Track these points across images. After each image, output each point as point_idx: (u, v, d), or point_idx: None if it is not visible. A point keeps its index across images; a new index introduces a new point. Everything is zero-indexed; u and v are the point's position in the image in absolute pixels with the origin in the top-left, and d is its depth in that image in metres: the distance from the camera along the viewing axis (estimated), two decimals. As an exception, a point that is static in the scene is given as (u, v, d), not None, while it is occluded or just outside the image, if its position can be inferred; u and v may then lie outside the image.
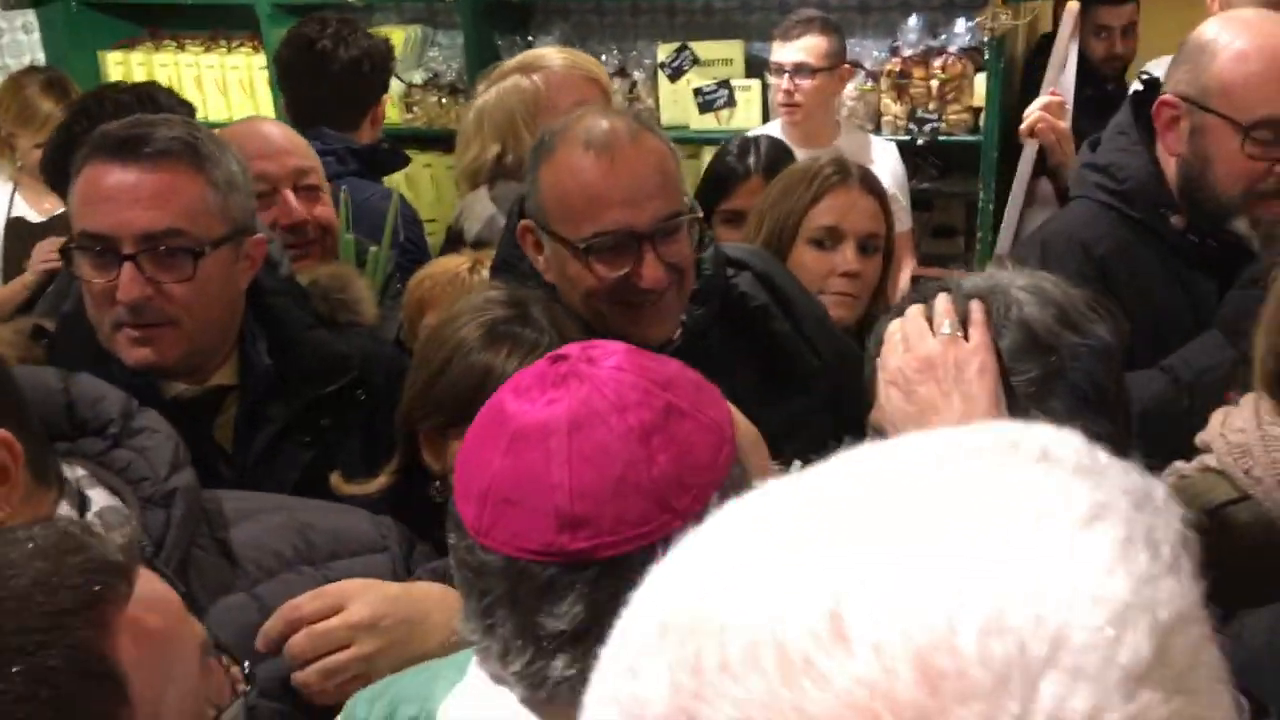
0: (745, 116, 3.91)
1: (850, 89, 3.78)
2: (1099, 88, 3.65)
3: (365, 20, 3.74)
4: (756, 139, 2.77)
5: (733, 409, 1.03)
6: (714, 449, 0.95)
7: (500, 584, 0.93)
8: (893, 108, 3.80)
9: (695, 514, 0.88)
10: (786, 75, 3.31)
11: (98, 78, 4.48)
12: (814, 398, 1.71)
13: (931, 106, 3.74)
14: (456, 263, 1.88)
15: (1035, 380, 1.19)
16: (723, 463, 0.95)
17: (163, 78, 4.49)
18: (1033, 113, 2.36)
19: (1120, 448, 1.32)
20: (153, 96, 2.22)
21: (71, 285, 1.69)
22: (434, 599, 1.21)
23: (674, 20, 4.14)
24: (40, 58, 4.42)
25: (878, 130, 3.79)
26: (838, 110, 3.60)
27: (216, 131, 2.22)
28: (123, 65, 4.52)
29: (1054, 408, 1.19)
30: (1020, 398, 1.20)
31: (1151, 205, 1.88)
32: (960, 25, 3.72)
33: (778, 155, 2.62)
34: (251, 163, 2.00)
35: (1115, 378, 1.24)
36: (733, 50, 4.00)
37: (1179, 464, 1.53)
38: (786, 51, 3.32)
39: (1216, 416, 1.50)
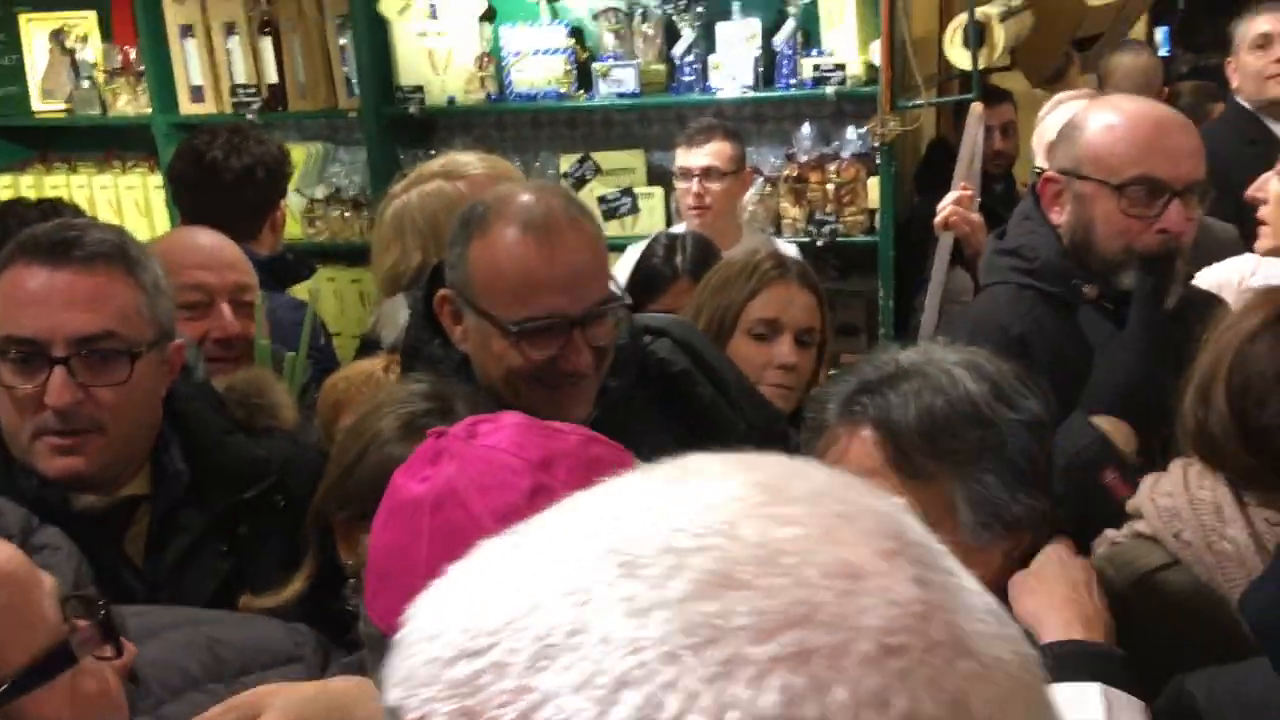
0: (649, 223, 3.97)
1: (751, 194, 3.87)
2: (987, 186, 3.81)
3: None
4: (681, 237, 2.81)
5: None
6: None
7: (381, 659, 0.90)
8: (791, 211, 3.90)
9: None
10: (695, 179, 3.38)
11: (-15, 201, 4.38)
12: None
13: (829, 209, 3.85)
14: (372, 365, 1.84)
15: (970, 452, 1.20)
16: None
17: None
18: (945, 206, 2.44)
19: (1049, 520, 1.33)
20: (58, 210, 2.18)
21: None
22: (352, 694, 1.15)
23: (574, 132, 4.21)
24: (-76, 181, 4.31)
25: (779, 233, 3.88)
26: (741, 214, 3.68)
27: (158, 238, 2.19)
28: (11, 189, 4.42)
29: (988, 481, 1.21)
30: (952, 466, 1.21)
31: (1064, 279, 1.96)
32: (851, 132, 3.86)
33: (704, 254, 2.66)
34: (191, 272, 1.97)
35: (1046, 452, 1.27)
36: (634, 159, 4.08)
37: (1110, 531, 1.55)
38: (693, 157, 3.40)
39: (1147, 481, 1.53)
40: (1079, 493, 1.70)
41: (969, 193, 2.44)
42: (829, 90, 3.73)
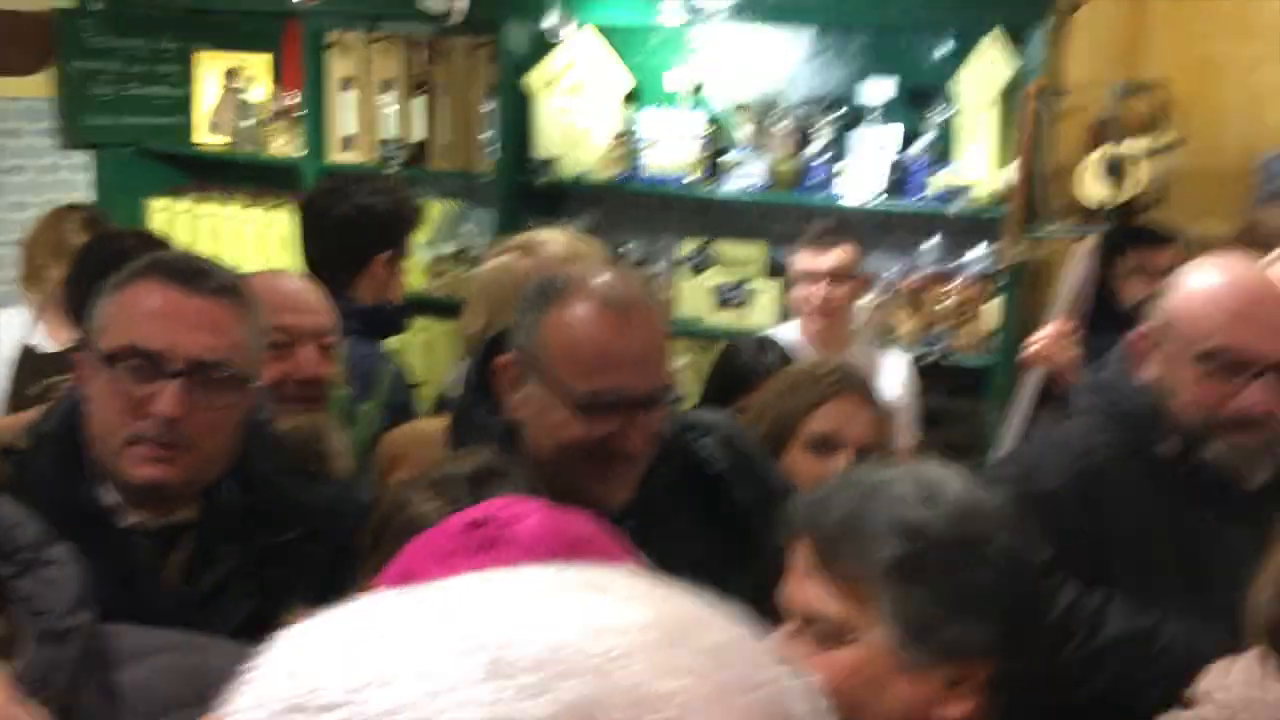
0: (761, 317, 3.96)
1: (867, 301, 3.84)
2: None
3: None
4: (767, 339, 2.80)
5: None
6: None
7: None
8: (907, 323, 3.85)
9: None
10: (824, 282, 3.36)
11: (140, 222, 4.64)
12: (776, 566, 1.68)
13: (945, 325, 3.79)
14: (432, 425, 1.88)
15: (897, 564, 1.20)
16: None
17: (204, 227, 4.65)
18: (1040, 339, 2.38)
19: (1000, 650, 1.27)
20: (152, 242, 2.29)
21: (57, 408, 1.69)
22: None
23: (700, 217, 4.25)
24: (89, 197, 4.58)
25: (891, 343, 3.83)
26: (853, 321, 3.64)
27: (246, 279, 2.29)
28: (166, 212, 4.68)
29: (918, 597, 1.20)
30: (878, 575, 1.21)
31: (1146, 431, 1.88)
32: (976, 251, 3.80)
33: (789, 357, 2.64)
34: (277, 314, 2.04)
35: (1019, 590, 1.23)
36: (754, 252, 4.09)
37: (1175, 711, 1.48)
38: (822, 259, 3.39)
39: (1217, 668, 1.45)
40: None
41: (1069, 327, 2.37)
42: (955, 207, 3.69)
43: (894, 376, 3.54)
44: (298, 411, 1.90)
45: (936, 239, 3.86)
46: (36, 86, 4.43)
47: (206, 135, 4.74)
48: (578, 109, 4.15)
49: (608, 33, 4.11)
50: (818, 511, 1.28)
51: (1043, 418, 2.30)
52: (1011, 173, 3.55)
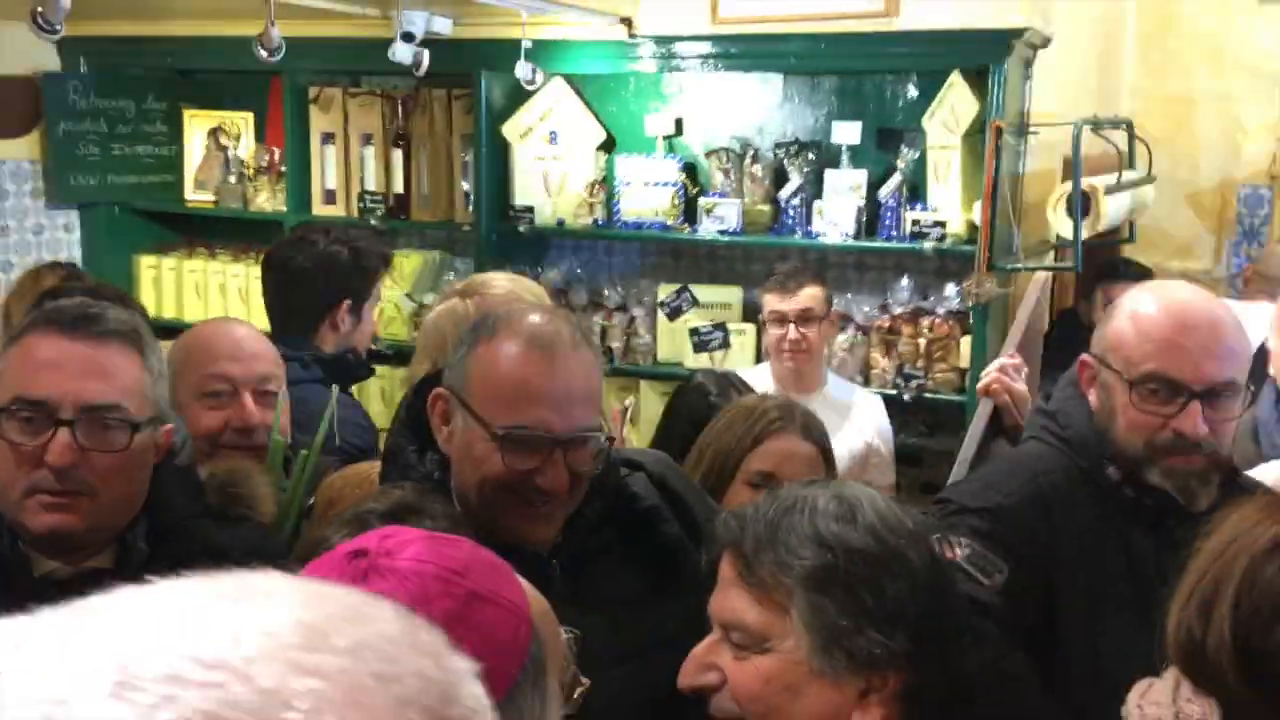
0: (739, 359, 3.97)
1: (842, 340, 3.85)
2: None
3: (388, 243, 3.91)
4: (731, 374, 2.80)
5: (524, 583, 1.04)
6: (513, 629, 0.97)
7: None
8: (881, 362, 3.86)
9: (499, 694, 0.88)
10: (792, 325, 3.38)
11: (129, 279, 4.70)
12: (704, 599, 1.69)
13: (919, 364, 3.79)
14: (370, 467, 1.89)
15: (809, 573, 1.25)
16: (522, 641, 0.96)
17: (190, 282, 4.71)
18: (989, 373, 2.39)
19: (910, 663, 1.29)
20: (113, 296, 2.33)
21: None
22: None
23: (678, 262, 4.28)
24: (77, 255, 4.65)
25: (866, 382, 3.84)
26: (826, 359, 3.66)
27: (194, 326, 2.33)
28: (154, 269, 4.74)
29: (828, 607, 1.24)
30: (791, 583, 1.26)
31: (1094, 456, 1.90)
32: (949, 289, 3.82)
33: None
34: (218, 362, 2.07)
35: (925, 601, 1.26)
36: (731, 295, 4.12)
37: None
38: (791, 301, 3.41)
39: (1138, 687, 1.45)
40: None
41: (1016, 361, 2.37)
42: (927, 246, 3.71)
43: (869, 415, 3.55)
44: (234, 458, 1.92)
45: (908, 279, 3.88)
46: (24, 148, 4.51)
47: (193, 193, 4.81)
48: (553, 157, 4.20)
49: (583, 80, 4.17)
50: (741, 524, 1.33)
51: (994, 448, 2.30)
52: (978, 211, 3.57)
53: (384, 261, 2.91)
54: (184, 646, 0.43)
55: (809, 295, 3.40)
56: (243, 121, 4.74)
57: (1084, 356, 1.94)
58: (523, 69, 3.70)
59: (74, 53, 4.51)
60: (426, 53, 3.50)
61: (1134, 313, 1.87)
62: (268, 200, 4.60)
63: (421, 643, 0.47)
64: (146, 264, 4.76)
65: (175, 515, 1.63)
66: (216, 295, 4.64)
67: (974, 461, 2.27)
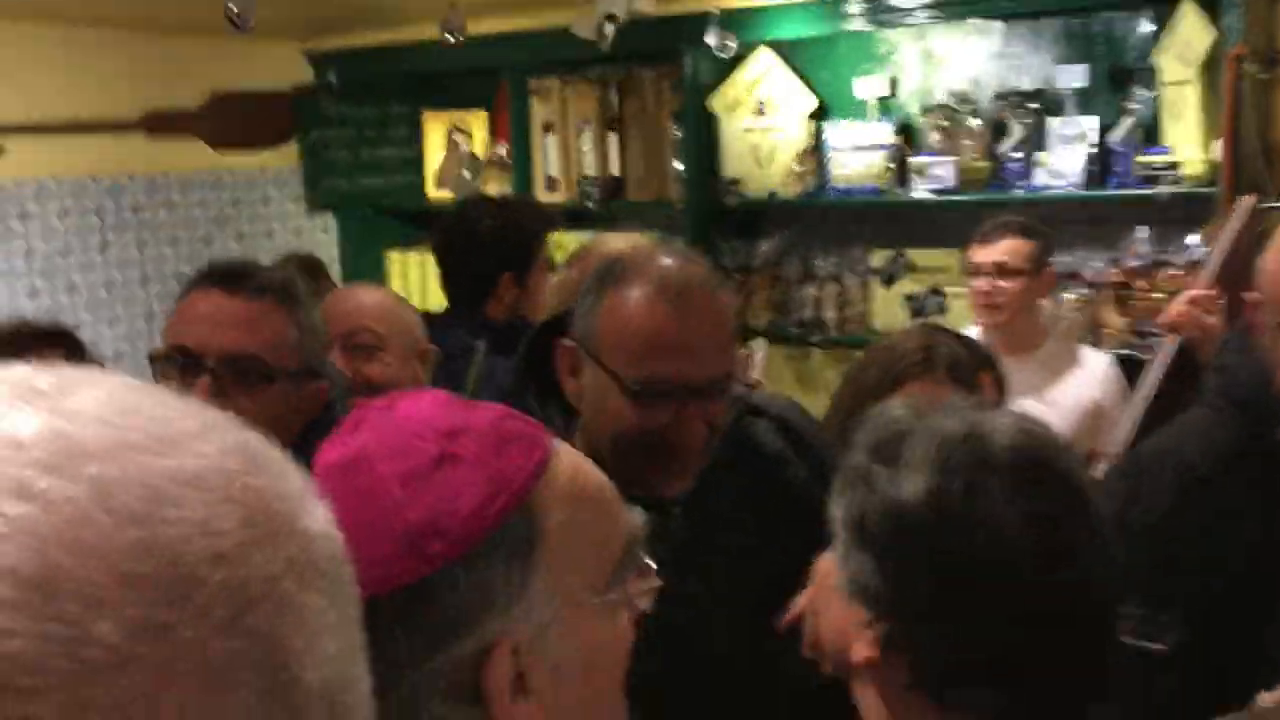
0: (957, 322, 3.73)
1: (1067, 298, 3.58)
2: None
3: (608, 228, 3.97)
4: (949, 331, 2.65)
5: (579, 465, 0.97)
6: (486, 499, 0.92)
7: None
8: (1114, 320, 3.56)
9: (451, 560, 0.86)
10: (985, 277, 3.19)
11: (382, 274, 5.02)
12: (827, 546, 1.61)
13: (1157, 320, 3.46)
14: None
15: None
16: (494, 513, 0.92)
17: (435, 274, 4.96)
18: (1178, 305, 2.14)
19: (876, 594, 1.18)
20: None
21: None
22: None
23: (894, 227, 4.11)
24: (334, 254, 5.02)
25: (1097, 343, 3.54)
26: (1044, 318, 3.41)
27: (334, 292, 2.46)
28: (400, 262, 5.04)
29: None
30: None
31: (1263, 416, 1.65)
32: (1191, 238, 3.47)
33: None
34: (354, 319, 2.18)
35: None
36: (948, 258, 3.92)
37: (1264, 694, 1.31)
38: (987, 251, 3.22)
39: None
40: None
41: (1211, 293, 2.10)
42: (1161, 190, 3.39)
43: (1093, 374, 3.28)
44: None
45: (1144, 230, 3.55)
46: (282, 158, 4.92)
47: (435, 190, 5.08)
48: (763, 128, 4.14)
49: (792, 46, 4.08)
50: None
51: (1176, 390, 2.05)
52: (1217, 149, 3.22)
53: (543, 229, 2.92)
54: None
55: (1007, 246, 3.17)
56: (476, 120, 4.96)
57: (1250, 294, 1.68)
58: (713, 36, 3.66)
59: (324, 66, 4.87)
60: (611, 27, 3.54)
61: None
62: (495, 191, 4.79)
63: (236, 489, 0.41)
64: (395, 258, 5.07)
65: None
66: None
67: (1150, 399, 2.03)
